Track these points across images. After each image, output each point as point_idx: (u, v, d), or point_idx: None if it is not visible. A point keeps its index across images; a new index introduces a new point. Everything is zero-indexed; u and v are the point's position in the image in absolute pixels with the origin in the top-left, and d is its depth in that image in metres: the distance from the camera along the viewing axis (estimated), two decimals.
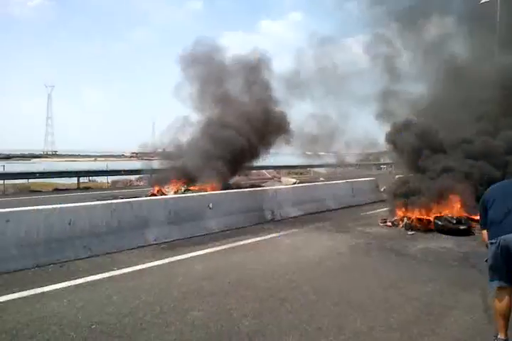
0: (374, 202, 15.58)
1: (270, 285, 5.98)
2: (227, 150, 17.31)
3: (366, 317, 4.93)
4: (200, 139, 18.70)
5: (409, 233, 10.14)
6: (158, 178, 17.90)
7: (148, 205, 8.69)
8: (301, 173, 33.63)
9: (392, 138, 14.79)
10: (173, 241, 8.66)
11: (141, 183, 24.68)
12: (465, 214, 10.93)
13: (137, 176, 25.53)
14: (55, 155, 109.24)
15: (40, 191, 20.57)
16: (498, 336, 4.23)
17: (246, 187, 14.21)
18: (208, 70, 20.10)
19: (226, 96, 20.10)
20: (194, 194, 10.77)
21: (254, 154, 20.00)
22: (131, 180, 25.35)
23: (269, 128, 19.56)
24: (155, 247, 8.20)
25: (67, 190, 21.23)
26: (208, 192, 11.90)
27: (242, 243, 8.64)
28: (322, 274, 6.61)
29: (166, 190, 16.06)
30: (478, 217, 10.31)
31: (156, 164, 20.38)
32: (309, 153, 29.50)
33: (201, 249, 8.03)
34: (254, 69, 20.88)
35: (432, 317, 4.96)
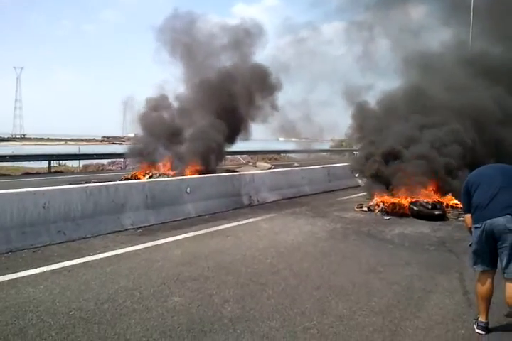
0: (350, 187, 15.67)
1: (250, 270, 5.95)
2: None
3: (348, 301, 4.94)
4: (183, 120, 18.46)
5: (386, 218, 10.23)
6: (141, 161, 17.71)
7: (125, 189, 8.52)
8: (275, 159, 33.62)
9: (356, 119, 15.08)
10: (151, 225, 8.54)
11: (114, 167, 24.35)
12: (439, 199, 11.09)
13: (109, 160, 25.18)
14: (23, 138, 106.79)
15: (9, 175, 20.05)
16: (479, 319, 4.28)
17: (222, 172, 14.14)
18: (189, 39, 19.84)
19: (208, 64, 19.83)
20: (172, 178, 10.65)
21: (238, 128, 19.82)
22: (103, 165, 24.91)
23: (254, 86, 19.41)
24: (132, 232, 8.07)
25: (37, 174, 20.71)
26: (186, 176, 11.76)
27: (220, 228, 8.57)
28: (302, 259, 6.60)
29: (144, 173, 15.87)
30: (452, 202, 10.64)
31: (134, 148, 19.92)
32: (282, 139, 29.52)
33: (179, 234, 7.93)
34: (241, 38, 20.61)
35: (412, 301, 5.00)
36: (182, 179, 10.12)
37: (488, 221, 4.11)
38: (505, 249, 4.05)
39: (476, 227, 4.24)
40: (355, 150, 41.16)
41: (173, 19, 20.12)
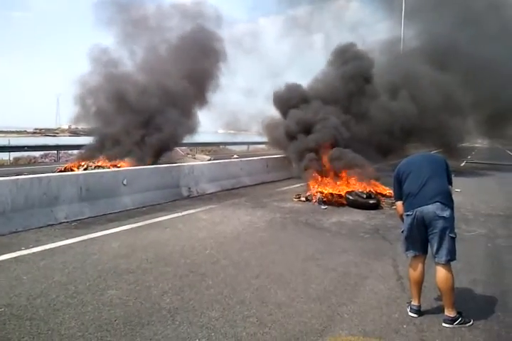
0: (288, 178, 15.86)
1: (190, 261, 5.90)
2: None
3: (286, 289, 5.01)
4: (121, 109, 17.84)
5: (323, 207, 10.42)
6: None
7: (58, 182, 8.21)
8: (214, 151, 33.49)
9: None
10: (86, 218, 8.29)
11: (47, 160, 23.47)
12: (374, 189, 11.45)
13: (42, 153, 24.24)
14: None
15: None
16: (412, 302, 4.45)
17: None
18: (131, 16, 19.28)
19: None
20: (107, 170, 10.40)
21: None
22: (35, 157, 23.92)
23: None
24: (66, 225, 7.81)
25: None
26: (123, 168, 11.50)
27: (158, 220, 8.45)
28: (241, 248, 6.62)
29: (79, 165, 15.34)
30: (386, 192, 11.00)
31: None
32: (222, 131, 29.45)
33: (116, 227, 7.75)
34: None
35: (349, 287, 5.12)
36: (118, 170, 9.92)
37: (418, 208, 4.26)
38: (435, 235, 4.21)
39: (407, 215, 4.39)
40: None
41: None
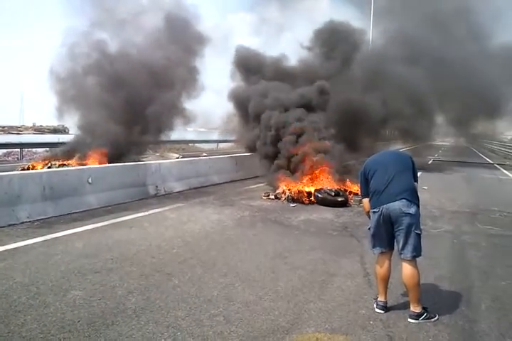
0: (257, 176, 15.81)
1: (156, 261, 5.81)
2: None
3: (254, 287, 4.97)
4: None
5: (292, 205, 10.44)
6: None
7: (20, 180, 7.97)
8: (183, 149, 33.22)
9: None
10: (49, 218, 8.07)
11: (10, 158, 22.87)
12: (342, 187, 11.52)
13: (4, 151, 23.60)
14: None
15: None
16: (378, 298, 4.48)
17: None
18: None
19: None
20: (72, 168, 10.16)
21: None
22: None
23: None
24: (29, 225, 7.59)
25: None
26: (88, 166, 11.27)
27: (124, 219, 8.30)
28: (209, 247, 6.56)
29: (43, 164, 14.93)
30: (354, 189, 11.08)
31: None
32: (191, 129, 29.24)
33: (80, 226, 7.57)
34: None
35: (316, 284, 5.12)
36: (83, 169, 9.68)
37: (384, 205, 4.28)
38: (402, 232, 4.24)
39: (374, 212, 4.40)
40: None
41: None
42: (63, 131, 51.27)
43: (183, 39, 19.25)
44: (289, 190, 11.17)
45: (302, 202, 10.69)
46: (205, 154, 24.53)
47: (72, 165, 13.73)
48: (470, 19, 24.03)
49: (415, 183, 4.46)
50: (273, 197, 11.22)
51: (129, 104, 16.86)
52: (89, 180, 9.15)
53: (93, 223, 7.83)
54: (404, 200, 4.23)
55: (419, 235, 4.25)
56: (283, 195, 11.07)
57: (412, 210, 4.22)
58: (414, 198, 4.30)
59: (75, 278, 5.07)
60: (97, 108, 16.88)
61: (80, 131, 17.67)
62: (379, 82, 18.25)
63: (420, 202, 4.38)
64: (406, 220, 4.21)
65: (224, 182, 14.00)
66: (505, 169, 23.42)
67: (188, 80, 19.34)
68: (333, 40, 19.09)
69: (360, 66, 18.04)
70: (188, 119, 20.23)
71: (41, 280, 4.96)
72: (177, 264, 5.69)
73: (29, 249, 6.23)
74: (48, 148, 21.83)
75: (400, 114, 18.77)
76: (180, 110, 19.20)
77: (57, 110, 17.98)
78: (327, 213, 9.58)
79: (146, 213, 8.89)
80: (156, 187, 11.16)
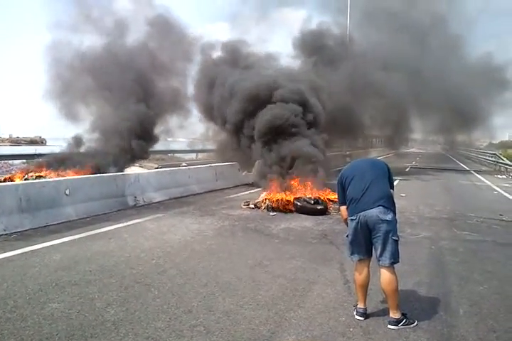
0: (237, 185, 15.85)
1: (135, 272, 5.77)
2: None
3: (235, 296, 4.97)
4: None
5: (271, 214, 10.45)
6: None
7: None
8: (162, 159, 33.03)
9: None
10: (26, 230, 7.95)
11: None
12: (321, 195, 11.59)
13: None
14: None
15: None
16: (358, 305, 4.51)
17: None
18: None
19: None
20: (49, 179, 10.02)
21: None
22: None
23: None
24: (5, 238, 7.46)
25: None
26: (65, 177, 11.14)
27: (103, 230, 8.21)
28: (189, 257, 6.53)
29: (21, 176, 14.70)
30: (334, 197, 11.17)
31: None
32: (170, 138, 29.16)
33: (58, 238, 7.47)
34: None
35: (297, 293, 5.13)
36: (60, 180, 9.55)
37: (362, 213, 4.32)
38: (379, 239, 4.29)
39: (351, 219, 4.44)
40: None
41: None
42: (40, 142, 50.70)
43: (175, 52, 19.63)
44: (268, 198, 11.18)
45: (282, 211, 10.71)
46: (184, 164, 24.44)
47: (50, 177, 13.56)
48: (445, 31, 24.57)
49: (391, 190, 4.52)
50: (253, 206, 11.22)
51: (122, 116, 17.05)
52: (67, 192, 9.06)
53: (71, 235, 7.74)
54: (381, 207, 4.29)
55: (396, 241, 4.30)
56: (263, 204, 11.08)
57: (389, 217, 4.27)
58: (390, 205, 4.36)
59: (53, 291, 5.00)
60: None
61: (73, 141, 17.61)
62: (361, 91, 18.51)
63: (398, 209, 4.45)
64: (383, 227, 4.25)
65: (204, 192, 13.96)
66: (482, 175, 23.80)
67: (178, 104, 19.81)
68: (315, 48, 19.35)
69: (342, 75, 18.28)
70: (170, 131, 20.51)
71: (18, 294, 4.89)
72: (157, 275, 5.66)
73: (6, 261, 6.13)
74: (24, 160, 21.56)
75: (385, 122, 19.11)
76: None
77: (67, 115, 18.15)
78: (307, 221, 9.62)
79: (126, 224, 8.82)
80: (135, 197, 11.08)
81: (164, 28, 19.88)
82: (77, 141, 17.56)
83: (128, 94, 17.39)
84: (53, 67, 18.10)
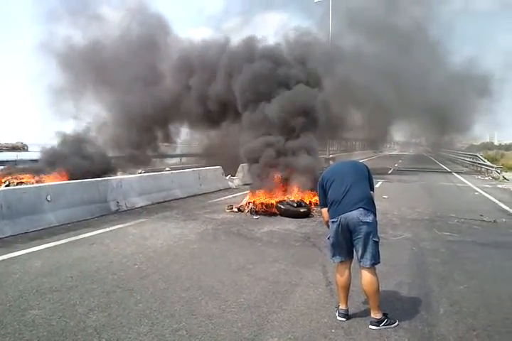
0: (220, 189, 15.85)
1: (117, 277, 5.74)
2: None
3: (217, 299, 4.97)
4: None
5: (255, 217, 10.47)
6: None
7: None
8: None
9: None
10: (7, 237, 7.85)
11: None
12: (304, 198, 11.63)
13: None
14: None
15: None
16: (340, 307, 4.54)
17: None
18: None
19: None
20: (30, 185, 9.92)
21: None
22: None
23: None
24: None
25: None
26: (46, 183, 11.04)
27: (85, 236, 8.14)
28: (171, 262, 6.51)
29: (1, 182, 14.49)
30: (315, 200, 11.22)
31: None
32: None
33: (39, 245, 7.40)
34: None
35: (279, 295, 5.15)
36: (41, 186, 9.46)
37: (343, 215, 4.36)
38: (360, 240, 4.33)
39: (332, 221, 4.48)
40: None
41: None
42: (22, 148, 50.10)
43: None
44: (251, 202, 11.19)
45: (265, 214, 10.73)
46: (167, 169, 24.36)
47: (31, 183, 13.43)
48: (426, 35, 24.87)
49: (372, 192, 4.57)
50: (236, 209, 11.22)
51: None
52: (48, 198, 8.98)
53: (53, 241, 7.67)
54: (361, 209, 4.33)
55: (377, 243, 4.34)
56: (246, 208, 11.09)
57: (370, 219, 4.31)
58: (371, 207, 4.40)
59: (34, 298, 4.96)
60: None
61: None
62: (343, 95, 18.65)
63: (381, 211, 4.51)
64: (364, 229, 4.29)
65: (187, 197, 13.92)
66: (463, 177, 24.09)
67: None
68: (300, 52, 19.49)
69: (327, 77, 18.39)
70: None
71: None
72: (139, 280, 5.63)
73: None
74: (4, 166, 21.34)
75: (367, 125, 19.36)
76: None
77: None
78: (290, 224, 9.65)
79: (108, 229, 8.76)
80: (118, 203, 11.02)
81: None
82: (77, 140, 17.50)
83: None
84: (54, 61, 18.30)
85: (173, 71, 20.55)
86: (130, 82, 19.65)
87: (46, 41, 18.81)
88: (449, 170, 29.31)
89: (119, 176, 13.08)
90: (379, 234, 4.46)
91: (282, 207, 10.77)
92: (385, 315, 4.35)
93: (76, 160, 15.40)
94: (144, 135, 19.52)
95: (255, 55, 18.60)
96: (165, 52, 21.53)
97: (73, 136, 17.68)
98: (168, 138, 22.79)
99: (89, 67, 19.07)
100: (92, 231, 8.54)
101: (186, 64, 19.92)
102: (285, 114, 14.53)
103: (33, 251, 7.00)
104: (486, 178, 23.77)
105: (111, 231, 8.66)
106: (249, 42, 19.51)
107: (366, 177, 4.61)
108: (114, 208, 10.84)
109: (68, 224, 9.16)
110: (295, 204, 10.78)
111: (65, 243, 7.60)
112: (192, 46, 21.40)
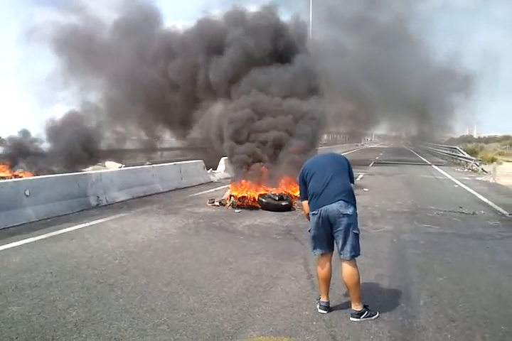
0: (202, 183, 15.81)
1: (98, 272, 5.68)
2: None
3: (199, 294, 4.95)
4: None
5: (236, 211, 10.45)
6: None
7: None
8: (127, 158, 32.49)
9: None
10: None
11: None
12: (286, 191, 11.65)
13: None
14: None
15: None
16: (321, 299, 4.56)
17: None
18: None
19: None
20: (7, 180, 9.74)
21: None
22: None
23: None
24: None
25: None
26: (24, 177, 10.88)
27: (64, 231, 8.05)
28: (152, 256, 6.47)
29: None
30: (297, 193, 11.26)
31: None
32: (134, 137, 28.87)
33: (17, 240, 7.28)
34: None
35: (261, 289, 5.16)
36: (19, 181, 9.33)
37: (323, 207, 4.36)
38: (340, 233, 4.34)
39: (313, 214, 4.48)
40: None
41: None
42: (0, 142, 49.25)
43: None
44: (233, 195, 11.17)
45: (247, 208, 10.72)
46: (148, 163, 24.20)
47: (9, 178, 13.24)
48: (406, 30, 25.06)
49: (352, 184, 4.58)
50: (218, 203, 11.19)
51: None
52: (27, 193, 8.84)
53: (31, 236, 7.57)
54: (341, 201, 4.34)
55: (357, 235, 4.36)
56: (228, 202, 11.07)
57: (350, 211, 4.32)
58: (351, 199, 4.41)
59: (13, 294, 4.89)
60: None
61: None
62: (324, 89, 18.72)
63: (362, 204, 4.54)
64: (344, 221, 4.31)
65: (168, 191, 13.85)
66: (442, 169, 24.38)
67: None
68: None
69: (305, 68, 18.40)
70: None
71: None
72: (120, 275, 5.59)
73: None
74: None
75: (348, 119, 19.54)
76: None
77: None
78: (271, 218, 9.66)
79: (88, 224, 8.67)
80: (98, 197, 10.91)
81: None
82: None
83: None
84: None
85: (154, 58, 20.47)
86: (117, 73, 19.61)
87: (35, 27, 18.65)
88: (429, 163, 29.62)
89: (99, 170, 12.93)
90: (359, 227, 4.48)
91: (264, 200, 10.76)
92: (365, 307, 4.38)
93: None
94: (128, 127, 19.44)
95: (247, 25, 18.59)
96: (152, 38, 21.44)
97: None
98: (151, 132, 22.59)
99: (80, 52, 18.95)
100: (71, 226, 8.45)
101: (167, 49, 19.86)
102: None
103: (12, 247, 6.90)
104: (466, 170, 24.09)
105: (91, 226, 8.58)
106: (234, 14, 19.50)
107: (346, 169, 4.62)
108: (94, 203, 10.74)
109: (48, 219, 9.04)
110: (277, 198, 10.79)
111: (45, 238, 7.51)
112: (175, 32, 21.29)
